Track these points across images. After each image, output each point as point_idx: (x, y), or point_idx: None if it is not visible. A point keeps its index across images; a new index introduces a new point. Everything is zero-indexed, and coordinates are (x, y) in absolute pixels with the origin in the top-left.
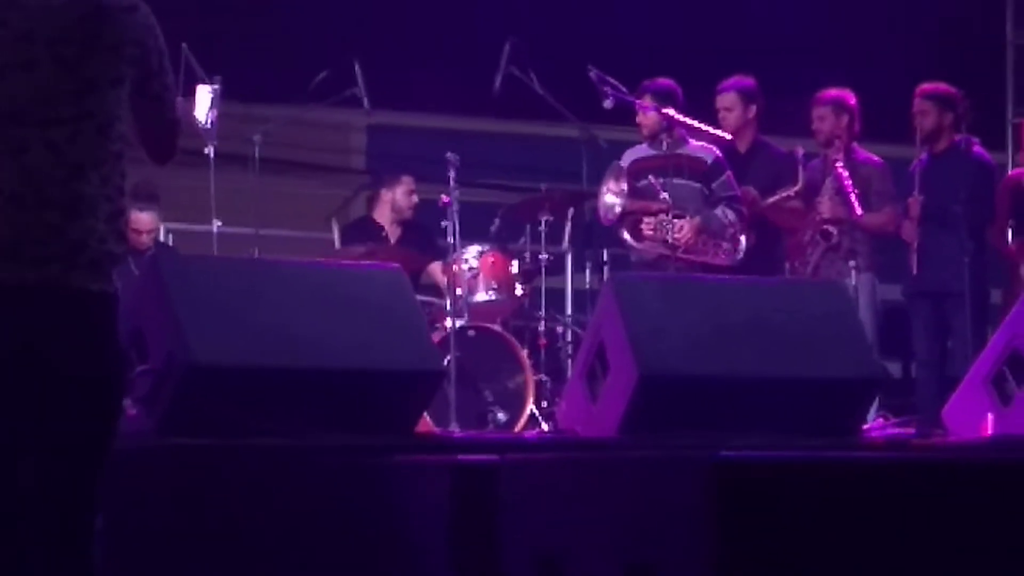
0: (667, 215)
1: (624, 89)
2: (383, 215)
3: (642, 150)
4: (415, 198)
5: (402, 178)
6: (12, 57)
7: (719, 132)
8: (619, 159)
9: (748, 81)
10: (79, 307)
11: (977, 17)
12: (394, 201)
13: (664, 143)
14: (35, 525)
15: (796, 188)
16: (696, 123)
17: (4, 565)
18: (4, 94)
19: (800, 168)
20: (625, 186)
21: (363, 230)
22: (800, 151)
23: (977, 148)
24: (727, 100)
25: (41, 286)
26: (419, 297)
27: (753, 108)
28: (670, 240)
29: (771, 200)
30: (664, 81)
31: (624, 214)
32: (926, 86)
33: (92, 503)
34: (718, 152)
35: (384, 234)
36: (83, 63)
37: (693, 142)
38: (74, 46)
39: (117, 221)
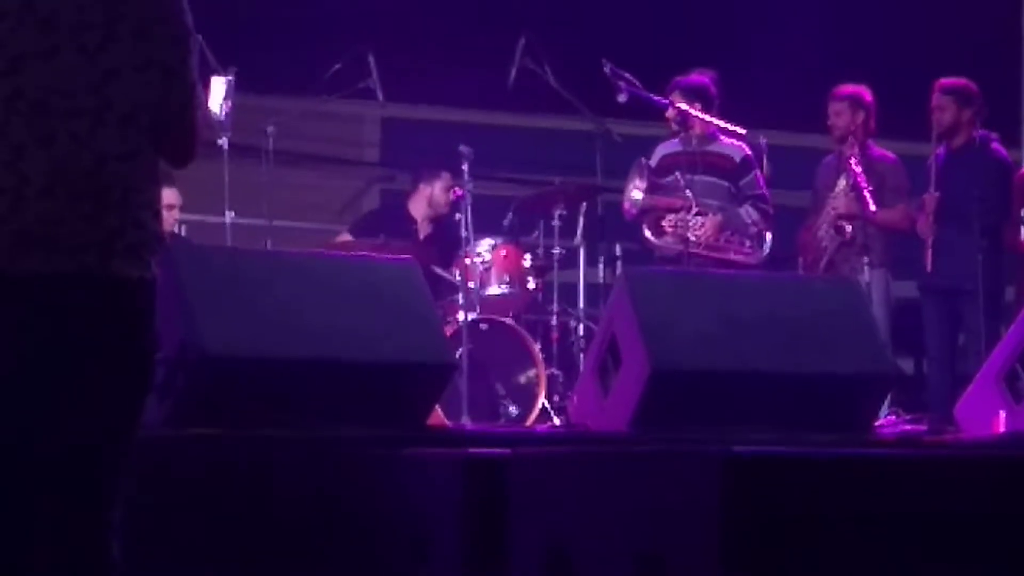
0: (688, 212)
1: (638, 83)
2: (418, 209)
3: (672, 145)
4: (452, 195)
5: (441, 174)
6: (35, 44)
7: (736, 128)
8: (649, 154)
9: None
10: (118, 294)
11: (992, 13)
12: (432, 196)
13: (693, 139)
14: (54, 513)
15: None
16: (717, 121)
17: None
18: (29, 83)
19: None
20: (643, 182)
21: (387, 221)
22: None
23: (995, 145)
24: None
25: (79, 274)
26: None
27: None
28: (691, 237)
29: None
30: (696, 77)
31: (645, 210)
32: (945, 81)
33: (114, 493)
34: (748, 150)
35: (415, 228)
36: (105, 50)
37: (724, 139)
38: (97, 32)
39: (152, 208)
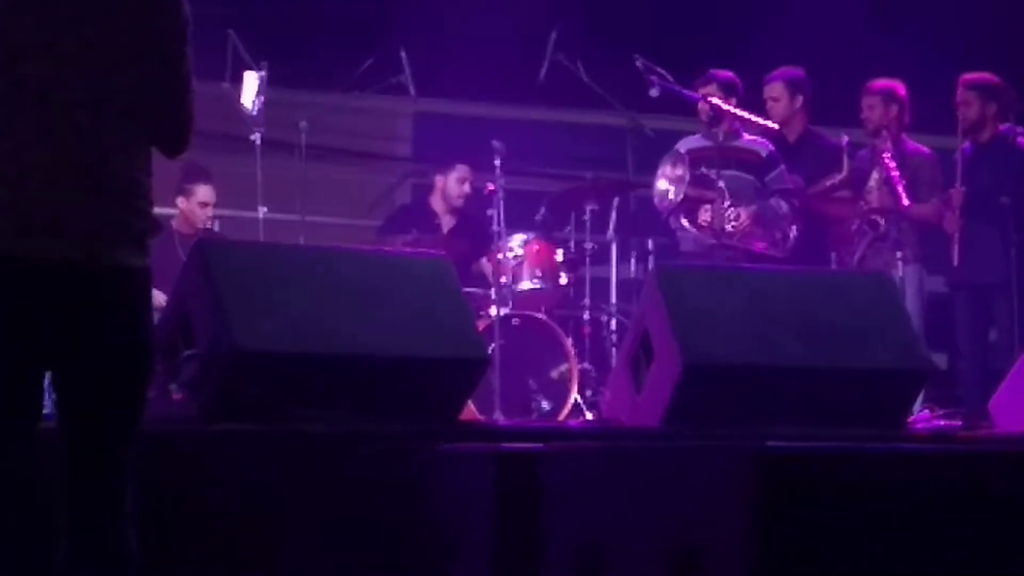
0: (724, 203)
1: (670, 78)
2: (437, 203)
3: (696, 140)
4: (467, 187)
5: (456, 166)
6: (36, 35)
7: (768, 123)
8: (672, 147)
9: (795, 71)
10: (123, 282)
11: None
12: (445, 188)
13: (720, 134)
14: (70, 496)
15: (841, 176)
16: (747, 114)
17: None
18: (32, 74)
19: (845, 156)
20: (681, 172)
21: (416, 216)
22: (846, 139)
23: (1021, 139)
24: (774, 90)
25: (86, 261)
26: (464, 289)
27: (800, 98)
28: (728, 228)
29: (816, 189)
30: (725, 72)
31: (683, 201)
32: (969, 76)
33: (124, 479)
34: (771, 146)
35: (437, 222)
36: (106, 40)
37: (747, 135)
38: (97, 22)
39: (148, 196)
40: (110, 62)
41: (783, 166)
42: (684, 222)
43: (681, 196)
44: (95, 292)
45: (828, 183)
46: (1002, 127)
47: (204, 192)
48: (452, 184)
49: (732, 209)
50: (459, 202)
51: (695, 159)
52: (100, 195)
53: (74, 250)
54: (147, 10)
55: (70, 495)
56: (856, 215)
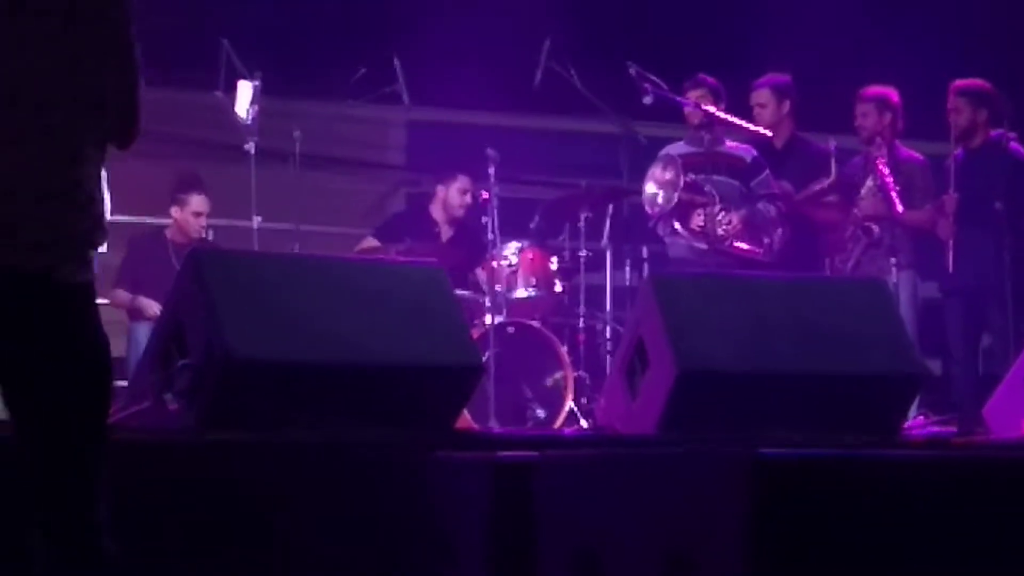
0: (716, 207)
1: (664, 85)
2: (437, 212)
3: (682, 146)
4: (468, 198)
5: (458, 176)
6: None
7: (761, 129)
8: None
9: (782, 77)
10: (74, 295)
11: (1018, 11)
12: (446, 199)
13: (705, 139)
14: (37, 504)
15: (829, 181)
16: (739, 120)
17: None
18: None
19: (833, 162)
20: (672, 176)
21: (412, 224)
22: (833, 144)
23: (1014, 144)
24: (761, 96)
25: (37, 275)
26: (459, 292)
27: (787, 103)
28: (720, 232)
29: (804, 194)
30: (712, 78)
31: (675, 206)
32: (959, 82)
33: (90, 483)
34: (755, 151)
35: (437, 231)
36: (67, 37)
37: (729, 141)
38: (57, 18)
39: (101, 209)
40: (74, 59)
41: (768, 171)
42: (677, 226)
43: (675, 200)
44: (44, 304)
45: (816, 188)
46: (993, 133)
47: (197, 202)
48: (454, 194)
49: (724, 213)
50: (460, 212)
51: (684, 165)
52: (62, 205)
53: (26, 260)
54: (102, 3)
55: (37, 504)
56: (847, 221)
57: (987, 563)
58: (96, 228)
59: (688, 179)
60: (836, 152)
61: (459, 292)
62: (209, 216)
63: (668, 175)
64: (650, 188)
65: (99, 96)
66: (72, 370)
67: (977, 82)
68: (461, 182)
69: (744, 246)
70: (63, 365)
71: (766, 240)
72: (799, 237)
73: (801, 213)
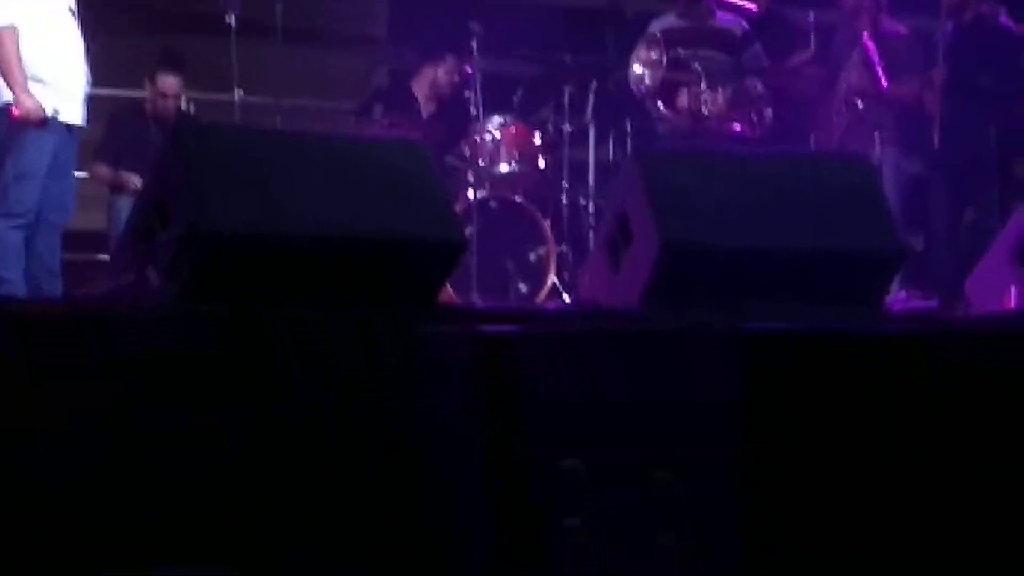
0: (700, 86)
1: None
2: (421, 89)
3: (670, 20)
4: (456, 78)
5: (446, 57)
6: None
7: (746, 3)
8: (646, 29)
9: None
10: None
11: None
12: (435, 78)
13: (694, 13)
14: None
15: (808, 54)
16: None
17: None
18: None
19: (812, 34)
20: (656, 55)
21: (393, 100)
22: (812, 16)
23: (1004, 19)
24: None
25: None
26: (443, 164)
27: None
28: (705, 112)
29: (783, 67)
30: None
31: (660, 85)
32: None
33: None
34: (746, 24)
35: (418, 108)
36: None
37: (721, 13)
38: None
39: None
40: None
41: (758, 44)
42: (660, 106)
43: (658, 81)
44: None
45: (796, 61)
46: (984, 7)
47: (165, 82)
48: (443, 75)
49: (708, 92)
50: (447, 91)
51: (670, 40)
52: None
53: None
54: None
55: None
56: (830, 96)
57: (972, 434)
58: None
59: (674, 56)
60: (815, 25)
61: (443, 164)
62: (190, 89)
63: (652, 55)
64: (635, 68)
65: None
66: None
67: None
68: (449, 63)
69: (730, 125)
70: None
71: (753, 117)
72: (785, 114)
73: (779, 86)
